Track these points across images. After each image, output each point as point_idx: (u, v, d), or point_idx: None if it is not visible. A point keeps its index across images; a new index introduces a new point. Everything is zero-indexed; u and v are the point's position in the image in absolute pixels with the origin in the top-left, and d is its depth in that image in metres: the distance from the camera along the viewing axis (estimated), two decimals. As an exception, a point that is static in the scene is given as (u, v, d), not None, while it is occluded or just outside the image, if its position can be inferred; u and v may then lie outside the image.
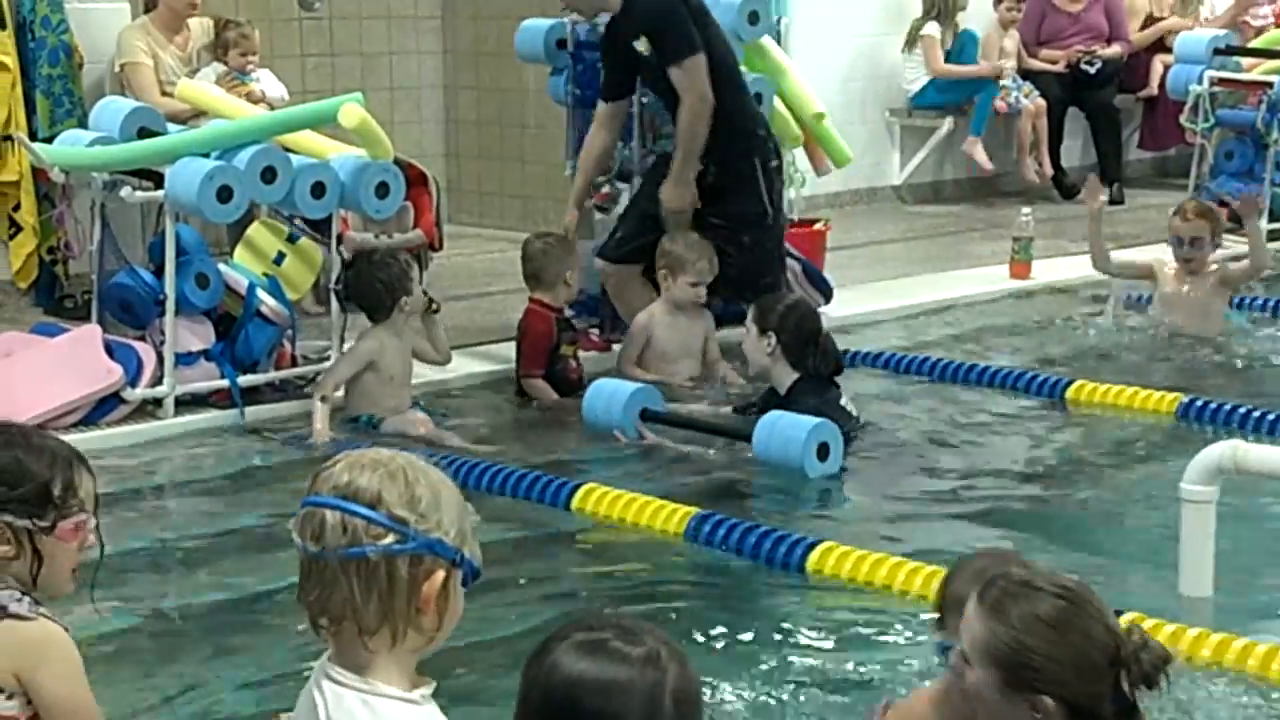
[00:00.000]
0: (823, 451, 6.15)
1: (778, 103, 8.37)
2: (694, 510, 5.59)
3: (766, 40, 8.39)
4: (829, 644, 4.73)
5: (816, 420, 6.17)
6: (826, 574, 5.17)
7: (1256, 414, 6.65)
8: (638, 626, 2.30)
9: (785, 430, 6.18)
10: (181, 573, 5.48)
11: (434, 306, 7.07)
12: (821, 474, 6.14)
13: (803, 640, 4.77)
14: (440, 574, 2.50)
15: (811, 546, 5.26)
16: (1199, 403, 6.85)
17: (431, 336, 7.11)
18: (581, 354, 7.45)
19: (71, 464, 3.20)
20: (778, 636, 4.80)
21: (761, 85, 8.13)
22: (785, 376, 6.57)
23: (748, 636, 4.76)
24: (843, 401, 6.60)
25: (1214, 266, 8.23)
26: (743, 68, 7.87)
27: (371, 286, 6.83)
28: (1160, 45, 13.12)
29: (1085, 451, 6.74)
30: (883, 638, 4.77)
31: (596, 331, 7.99)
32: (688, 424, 6.71)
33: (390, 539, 2.46)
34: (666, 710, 2.20)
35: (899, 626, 4.80)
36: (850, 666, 4.57)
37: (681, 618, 4.89)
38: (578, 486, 5.86)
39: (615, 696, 2.17)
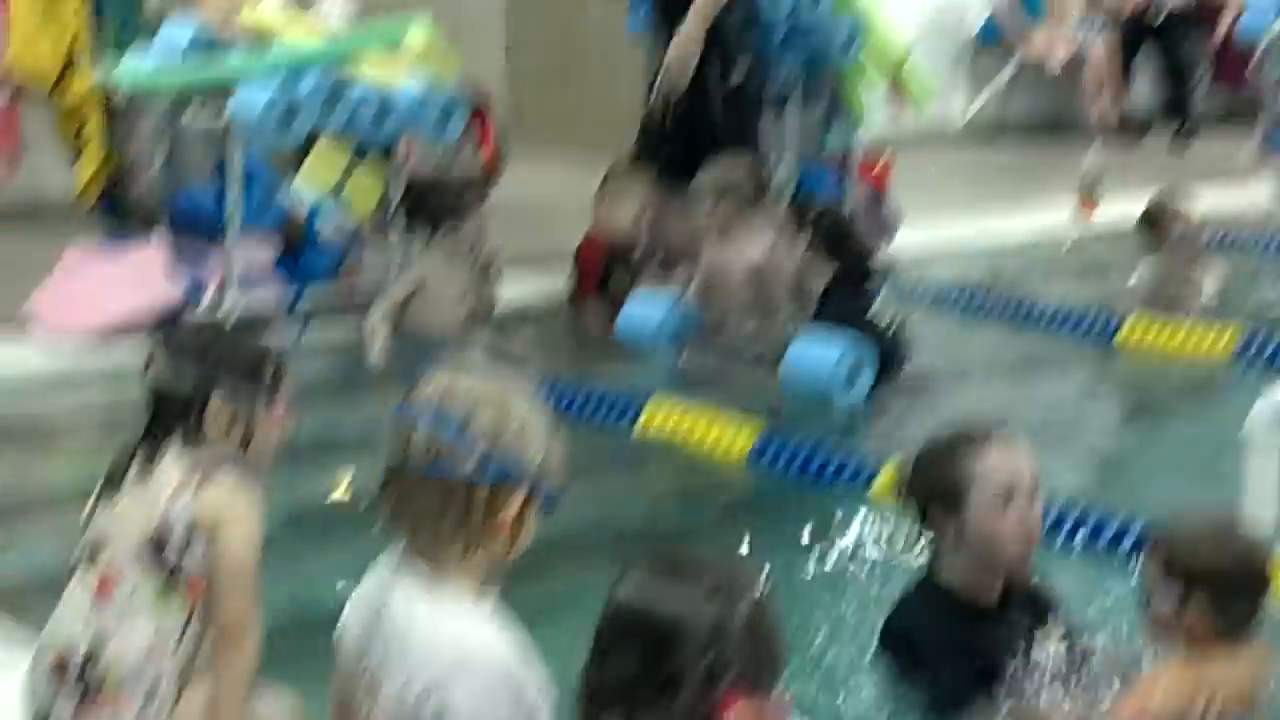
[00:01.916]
0: (853, 378, 6.15)
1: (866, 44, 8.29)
2: (757, 431, 5.60)
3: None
4: (897, 565, 4.72)
5: (844, 346, 6.14)
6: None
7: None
8: (711, 557, 2.30)
9: (815, 354, 6.17)
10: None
11: (493, 266, 7.09)
12: (852, 399, 6.12)
13: (869, 561, 4.77)
14: (518, 500, 2.54)
15: (877, 468, 5.27)
16: (1259, 340, 6.79)
17: (482, 288, 7.11)
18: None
19: (278, 353, 3.53)
20: (846, 558, 4.79)
21: (854, 26, 8.06)
22: (818, 281, 6.54)
23: (814, 558, 4.75)
24: (876, 314, 6.57)
25: None
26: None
27: (428, 209, 6.87)
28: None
29: (1144, 392, 6.71)
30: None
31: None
32: (721, 351, 6.71)
33: (473, 463, 2.50)
34: (737, 634, 2.19)
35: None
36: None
37: (746, 539, 4.89)
38: (641, 406, 5.88)
39: (685, 617, 2.17)
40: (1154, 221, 7.75)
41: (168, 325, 6.65)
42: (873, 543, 4.89)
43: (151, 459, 3.36)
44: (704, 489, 5.56)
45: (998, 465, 3.52)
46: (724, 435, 5.70)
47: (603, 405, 5.97)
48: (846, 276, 6.52)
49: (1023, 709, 3.41)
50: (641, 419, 5.88)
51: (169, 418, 3.38)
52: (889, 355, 6.36)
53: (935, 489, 3.55)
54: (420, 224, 6.99)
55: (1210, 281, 7.67)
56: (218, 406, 3.38)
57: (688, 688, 2.13)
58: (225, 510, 3.31)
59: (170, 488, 3.31)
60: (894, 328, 6.56)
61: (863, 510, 5.15)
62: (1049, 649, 3.52)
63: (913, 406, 6.35)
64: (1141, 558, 3.50)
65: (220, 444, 3.38)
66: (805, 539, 4.91)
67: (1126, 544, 4.79)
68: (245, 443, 3.41)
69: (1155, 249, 7.79)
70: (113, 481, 3.39)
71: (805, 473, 5.45)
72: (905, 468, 3.71)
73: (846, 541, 4.94)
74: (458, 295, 6.97)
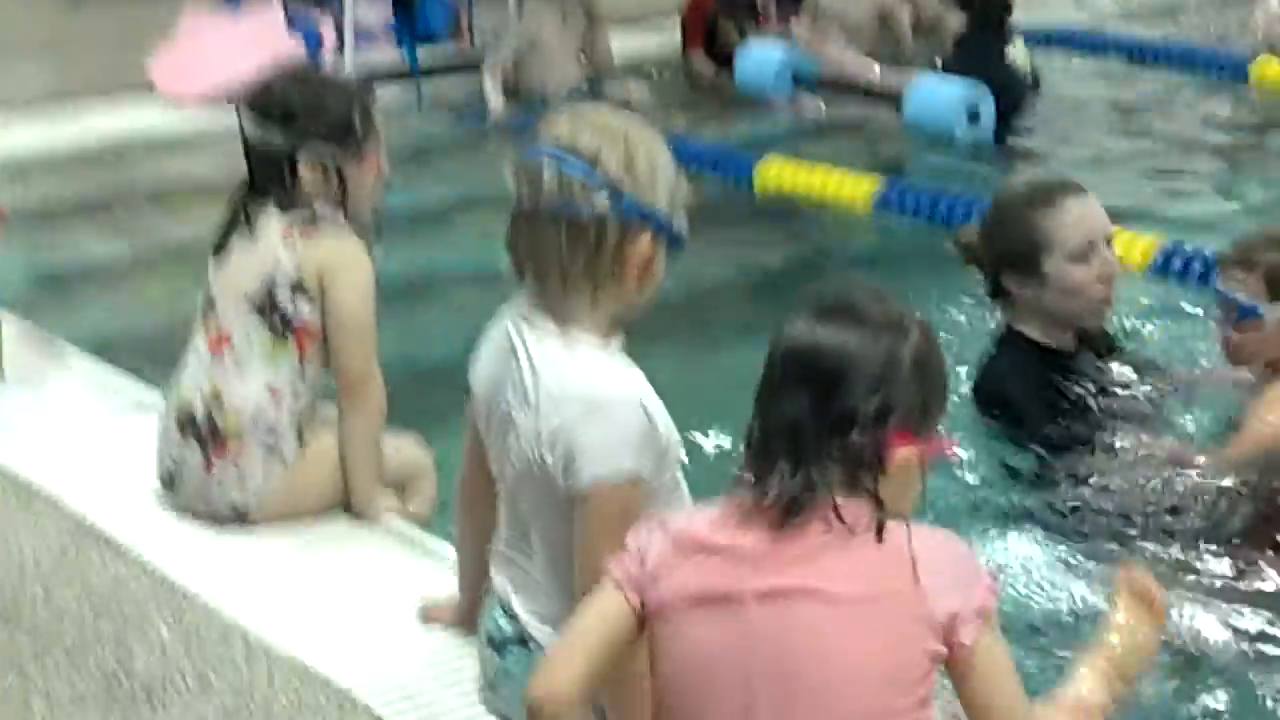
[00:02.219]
0: (974, 117, 6.08)
1: None
2: (879, 181, 5.57)
3: None
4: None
5: (966, 84, 6.06)
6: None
7: None
8: (881, 293, 2.26)
9: (935, 94, 6.10)
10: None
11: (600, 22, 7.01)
12: (974, 137, 6.04)
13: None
14: (647, 240, 2.51)
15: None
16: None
17: (595, 42, 7.03)
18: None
19: (364, 95, 3.46)
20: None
21: None
22: (954, 24, 6.42)
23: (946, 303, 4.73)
24: (1011, 60, 6.46)
25: None
26: None
27: None
28: None
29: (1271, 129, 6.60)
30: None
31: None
32: (841, 86, 6.63)
33: (604, 200, 2.47)
34: (906, 372, 2.16)
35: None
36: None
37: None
38: (758, 159, 5.86)
39: (855, 356, 2.14)
40: None
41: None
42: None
43: (253, 217, 3.39)
44: (828, 238, 5.53)
45: (1075, 220, 3.48)
46: (845, 186, 5.65)
47: (722, 161, 5.92)
48: (984, 20, 6.38)
49: (1147, 444, 3.38)
50: (760, 173, 5.82)
51: (265, 176, 3.39)
52: (1019, 98, 6.27)
53: (1012, 251, 3.48)
54: None
55: None
56: (306, 166, 3.36)
57: (859, 426, 2.12)
58: (329, 262, 3.34)
59: (272, 243, 3.36)
60: (1030, 73, 6.41)
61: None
62: (1126, 377, 3.55)
63: (1039, 147, 6.28)
64: (1225, 275, 3.36)
65: (317, 199, 3.38)
66: (931, 288, 4.90)
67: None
68: (342, 194, 3.41)
69: None
70: (224, 240, 3.44)
71: (932, 219, 5.39)
72: (971, 233, 3.62)
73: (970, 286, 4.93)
74: (572, 51, 6.91)
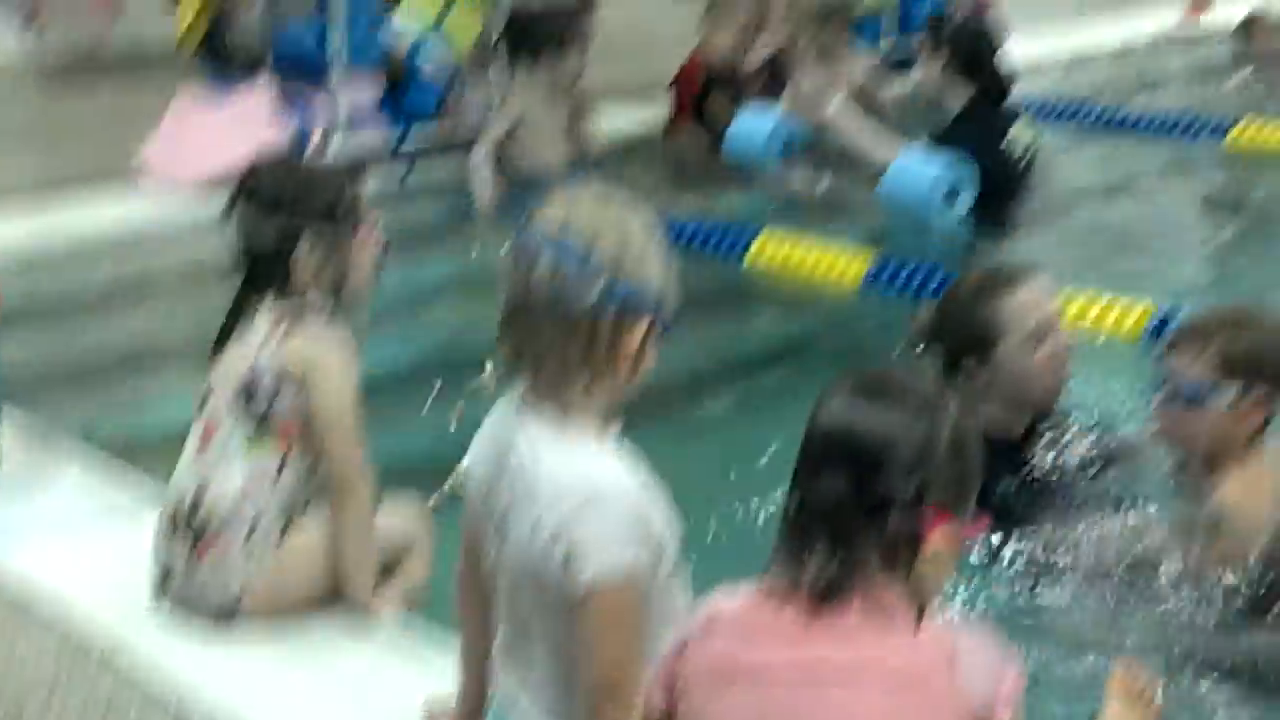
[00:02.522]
0: (954, 196, 6.05)
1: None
2: (870, 256, 5.57)
3: None
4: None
5: (947, 163, 6.03)
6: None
7: None
8: (916, 371, 2.25)
9: (911, 173, 6.06)
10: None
11: (585, 102, 7.05)
12: (949, 221, 6.00)
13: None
14: (643, 325, 2.51)
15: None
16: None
17: (579, 122, 7.08)
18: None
19: (355, 175, 3.53)
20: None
21: None
22: (956, 97, 6.38)
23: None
24: (1011, 138, 6.45)
25: None
26: None
27: (531, 40, 6.81)
28: None
29: (1255, 194, 6.62)
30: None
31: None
32: (833, 152, 6.65)
33: (598, 292, 2.47)
34: (943, 452, 2.16)
35: (1096, 362, 4.78)
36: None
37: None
38: (753, 236, 5.86)
39: (895, 437, 2.14)
40: (1248, 31, 7.55)
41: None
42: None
43: (250, 310, 3.40)
44: (819, 316, 5.53)
45: (1027, 307, 3.55)
46: (837, 264, 5.65)
47: (713, 238, 5.93)
48: (984, 97, 6.34)
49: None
50: (751, 251, 5.83)
51: (261, 267, 3.41)
52: (1017, 182, 6.25)
53: (965, 336, 3.54)
54: (522, 58, 6.91)
55: None
56: (304, 253, 3.38)
57: (897, 508, 2.12)
58: (313, 356, 3.36)
59: (260, 337, 3.37)
60: (1029, 153, 6.37)
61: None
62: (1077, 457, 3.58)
63: (1027, 224, 6.27)
64: (1171, 355, 3.30)
65: (313, 288, 3.40)
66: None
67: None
68: (339, 282, 3.42)
69: (1250, 60, 7.62)
70: (224, 334, 3.45)
71: (920, 297, 5.40)
72: (925, 319, 3.65)
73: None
74: (559, 130, 6.93)
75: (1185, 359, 3.28)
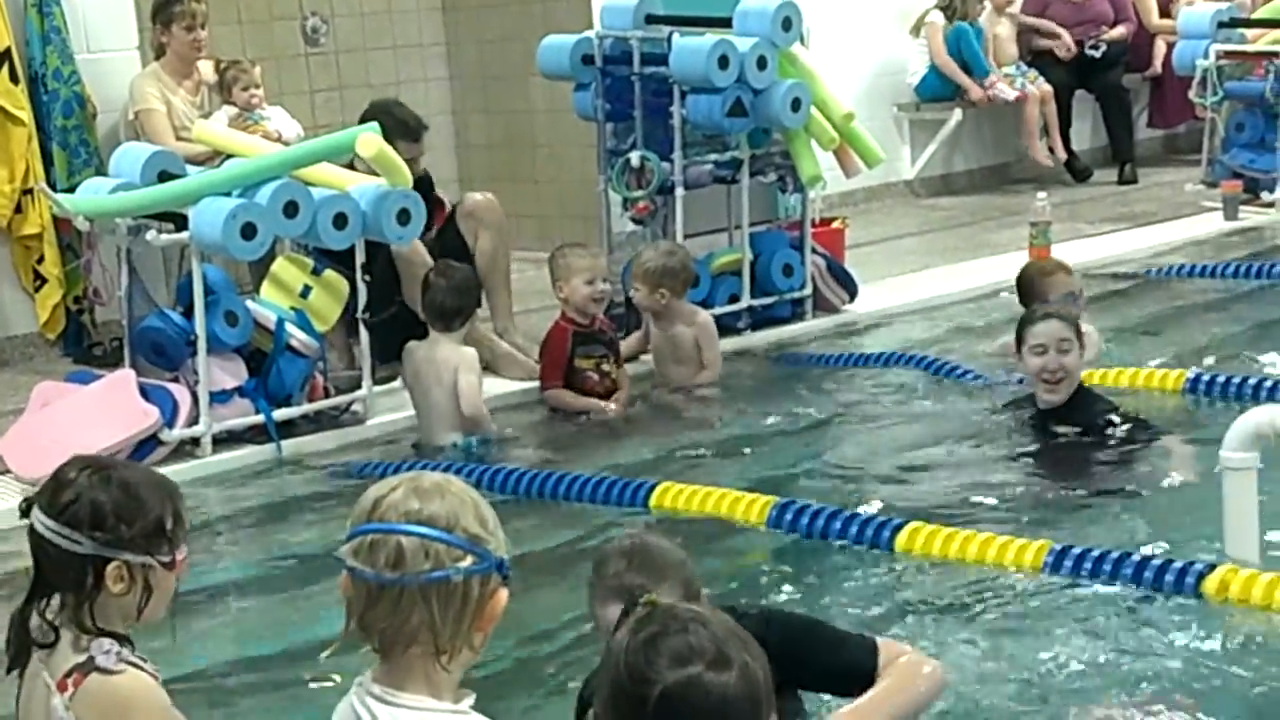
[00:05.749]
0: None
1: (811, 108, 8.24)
2: (774, 499, 5.62)
3: (797, 47, 8.28)
4: (922, 622, 4.76)
5: None
6: (916, 552, 5.22)
7: (1269, 384, 6.69)
8: (701, 616, 2.31)
9: None
10: (228, 609, 5.49)
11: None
12: None
13: (896, 618, 4.80)
14: (505, 591, 2.56)
15: (899, 527, 5.30)
16: (1207, 377, 6.89)
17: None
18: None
19: (174, 495, 3.20)
20: (869, 616, 4.80)
21: (800, 90, 8.02)
22: None
23: (837, 619, 4.75)
24: None
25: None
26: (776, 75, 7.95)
27: (436, 308, 6.99)
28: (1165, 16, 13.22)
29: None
30: (977, 613, 4.80)
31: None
32: None
33: (470, 560, 2.50)
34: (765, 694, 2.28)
35: (991, 601, 4.85)
36: (946, 642, 4.58)
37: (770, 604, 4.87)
38: (654, 485, 5.89)
39: (744, 700, 2.25)
40: (1028, 287, 7.45)
41: (144, 452, 6.64)
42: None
43: (41, 628, 3.11)
44: (724, 558, 5.49)
45: (1042, 330, 6.07)
46: (738, 506, 5.69)
47: (611, 491, 5.94)
48: None
49: None
50: (654, 500, 5.87)
51: (59, 583, 3.11)
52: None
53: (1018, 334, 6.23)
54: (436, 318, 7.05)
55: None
56: (115, 572, 3.08)
57: None
58: (109, 707, 3.03)
59: (55, 681, 3.06)
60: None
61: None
62: None
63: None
64: None
65: (115, 607, 3.10)
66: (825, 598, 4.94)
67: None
68: (144, 599, 3.11)
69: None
70: (19, 656, 3.14)
71: (825, 537, 5.44)
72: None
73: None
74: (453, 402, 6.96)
75: None
